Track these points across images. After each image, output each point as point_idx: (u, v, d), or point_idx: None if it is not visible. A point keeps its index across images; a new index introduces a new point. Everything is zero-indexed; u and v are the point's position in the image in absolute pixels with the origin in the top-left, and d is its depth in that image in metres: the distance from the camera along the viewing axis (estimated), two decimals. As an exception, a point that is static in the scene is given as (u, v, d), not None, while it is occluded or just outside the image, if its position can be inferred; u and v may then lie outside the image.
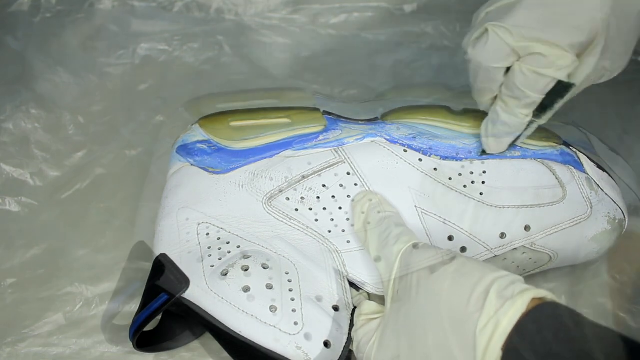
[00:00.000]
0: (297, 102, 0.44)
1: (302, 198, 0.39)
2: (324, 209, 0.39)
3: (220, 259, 0.37)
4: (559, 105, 0.36)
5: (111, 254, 0.45)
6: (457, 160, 0.40)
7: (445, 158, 0.40)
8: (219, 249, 0.38)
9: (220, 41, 0.58)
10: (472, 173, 0.39)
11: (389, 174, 0.39)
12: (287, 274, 0.37)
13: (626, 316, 0.41)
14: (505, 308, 0.28)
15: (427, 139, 0.40)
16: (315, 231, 0.39)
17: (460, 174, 0.39)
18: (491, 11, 0.36)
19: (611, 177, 0.41)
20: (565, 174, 0.40)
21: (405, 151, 0.40)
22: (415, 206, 0.39)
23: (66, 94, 0.54)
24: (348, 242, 0.39)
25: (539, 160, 0.40)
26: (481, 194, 0.39)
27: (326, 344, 0.35)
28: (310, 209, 0.39)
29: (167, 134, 0.46)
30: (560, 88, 0.35)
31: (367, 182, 0.39)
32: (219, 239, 0.38)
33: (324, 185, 0.39)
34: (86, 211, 0.47)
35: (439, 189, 0.39)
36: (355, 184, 0.39)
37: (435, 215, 0.38)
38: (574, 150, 0.41)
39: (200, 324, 0.36)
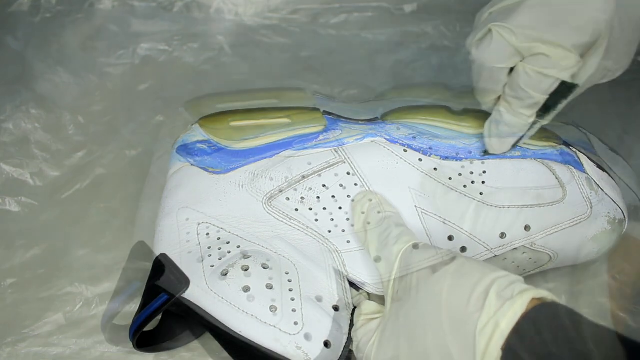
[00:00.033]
0: (297, 102, 0.44)
1: (302, 198, 0.39)
2: (324, 209, 0.39)
3: (220, 259, 0.37)
4: (562, 105, 0.37)
5: (111, 254, 0.45)
6: (457, 160, 0.40)
7: (445, 158, 0.40)
8: (219, 249, 0.38)
9: (220, 41, 0.58)
10: (472, 173, 0.39)
11: (389, 174, 0.39)
12: (287, 274, 0.37)
13: (626, 316, 0.41)
14: (504, 308, 0.28)
15: (427, 139, 0.40)
16: (315, 231, 0.39)
17: (460, 174, 0.39)
18: (494, 12, 0.36)
19: (611, 177, 0.41)
20: (565, 174, 0.39)
21: (405, 151, 0.40)
22: (415, 206, 0.39)
23: (66, 94, 0.54)
24: (348, 242, 0.39)
25: (539, 160, 0.40)
26: (481, 193, 0.39)
27: (326, 344, 0.35)
28: (310, 209, 0.39)
29: (167, 134, 0.46)
30: (564, 88, 0.35)
31: (367, 182, 0.39)
32: (219, 239, 0.38)
33: (324, 185, 0.39)
34: (86, 211, 0.47)
35: (439, 189, 0.39)
36: (356, 184, 0.39)
37: (435, 215, 0.38)
38: (574, 150, 0.41)
39: (200, 324, 0.36)
